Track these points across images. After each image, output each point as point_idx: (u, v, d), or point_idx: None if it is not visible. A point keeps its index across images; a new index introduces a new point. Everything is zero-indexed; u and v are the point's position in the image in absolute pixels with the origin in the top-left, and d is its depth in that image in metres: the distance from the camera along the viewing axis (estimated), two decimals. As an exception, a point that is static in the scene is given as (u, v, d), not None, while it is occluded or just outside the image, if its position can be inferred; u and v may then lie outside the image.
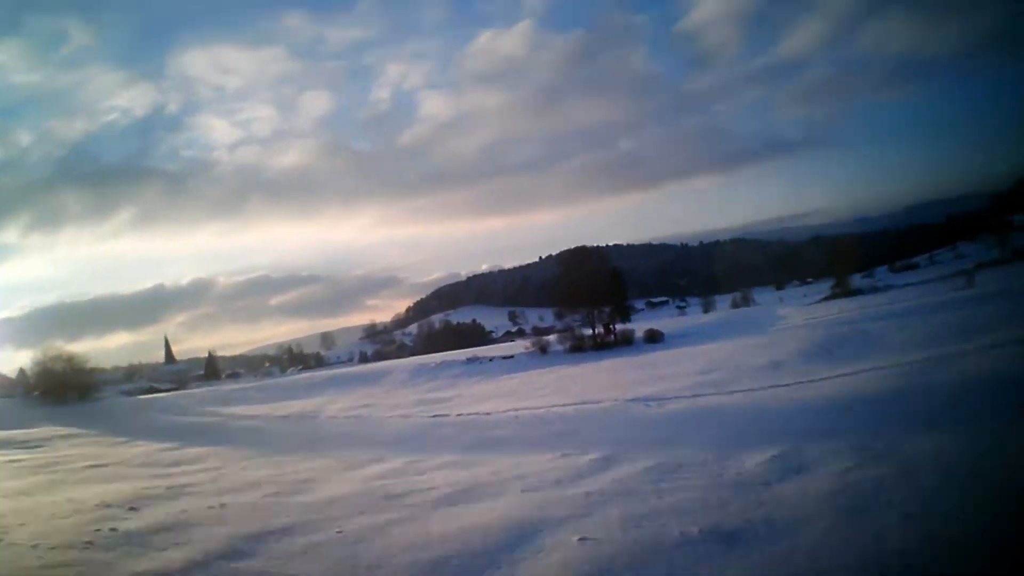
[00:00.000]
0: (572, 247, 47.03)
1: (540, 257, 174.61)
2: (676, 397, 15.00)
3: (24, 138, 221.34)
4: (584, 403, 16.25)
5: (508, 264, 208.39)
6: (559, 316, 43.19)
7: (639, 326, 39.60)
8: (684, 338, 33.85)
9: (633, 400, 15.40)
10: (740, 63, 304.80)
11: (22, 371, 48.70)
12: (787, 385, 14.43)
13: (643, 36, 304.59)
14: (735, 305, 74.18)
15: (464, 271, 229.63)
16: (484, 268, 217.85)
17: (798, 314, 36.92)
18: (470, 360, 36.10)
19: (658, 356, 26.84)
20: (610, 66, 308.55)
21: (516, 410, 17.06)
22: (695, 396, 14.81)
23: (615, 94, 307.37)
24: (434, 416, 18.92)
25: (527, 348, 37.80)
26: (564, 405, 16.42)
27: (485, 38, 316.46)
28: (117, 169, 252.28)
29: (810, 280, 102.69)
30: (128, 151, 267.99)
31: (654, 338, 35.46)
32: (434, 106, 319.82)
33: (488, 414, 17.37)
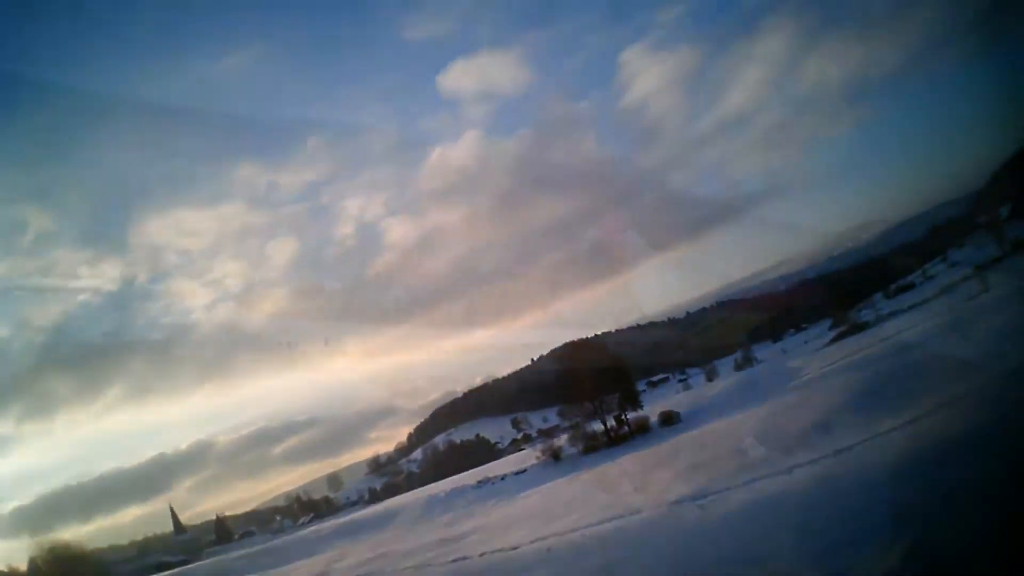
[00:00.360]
0: (563, 343, 45.53)
1: (532, 359, 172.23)
2: (726, 489, 12.74)
3: (1, 330, 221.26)
4: (620, 516, 13.90)
5: (501, 372, 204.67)
6: (562, 415, 40.88)
7: (648, 409, 37.13)
8: (702, 414, 31.43)
9: (677, 502, 13.10)
10: (689, 128, 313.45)
11: (33, 562, 46.06)
12: (854, 447, 12.22)
13: (589, 122, 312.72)
14: (738, 367, 71.72)
15: (459, 387, 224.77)
16: (478, 381, 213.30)
17: (813, 363, 34.72)
18: (481, 483, 33.68)
19: (682, 441, 24.34)
20: (562, 158, 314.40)
21: (544, 538, 14.62)
22: (749, 483, 12.55)
23: (573, 184, 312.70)
24: (454, 560, 16.39)
25: (538, 458, 35.25)
26: (599, 523, 14.02)
27: (436, 156, 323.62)
28: (99, 347, 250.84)
29: (805, 326, 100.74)
30: (107, 327, 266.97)
31: (670, 420, 32.96)
32: (398, 232, 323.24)
33: (514, 548, 14.92)
